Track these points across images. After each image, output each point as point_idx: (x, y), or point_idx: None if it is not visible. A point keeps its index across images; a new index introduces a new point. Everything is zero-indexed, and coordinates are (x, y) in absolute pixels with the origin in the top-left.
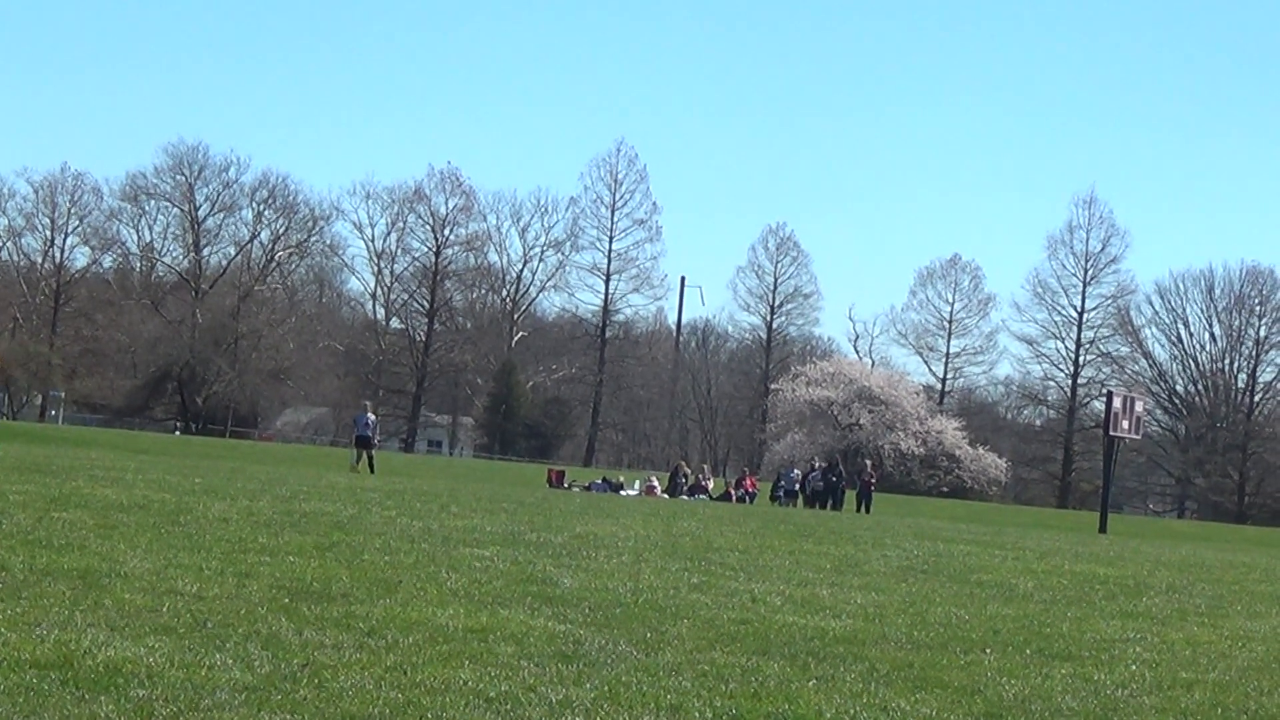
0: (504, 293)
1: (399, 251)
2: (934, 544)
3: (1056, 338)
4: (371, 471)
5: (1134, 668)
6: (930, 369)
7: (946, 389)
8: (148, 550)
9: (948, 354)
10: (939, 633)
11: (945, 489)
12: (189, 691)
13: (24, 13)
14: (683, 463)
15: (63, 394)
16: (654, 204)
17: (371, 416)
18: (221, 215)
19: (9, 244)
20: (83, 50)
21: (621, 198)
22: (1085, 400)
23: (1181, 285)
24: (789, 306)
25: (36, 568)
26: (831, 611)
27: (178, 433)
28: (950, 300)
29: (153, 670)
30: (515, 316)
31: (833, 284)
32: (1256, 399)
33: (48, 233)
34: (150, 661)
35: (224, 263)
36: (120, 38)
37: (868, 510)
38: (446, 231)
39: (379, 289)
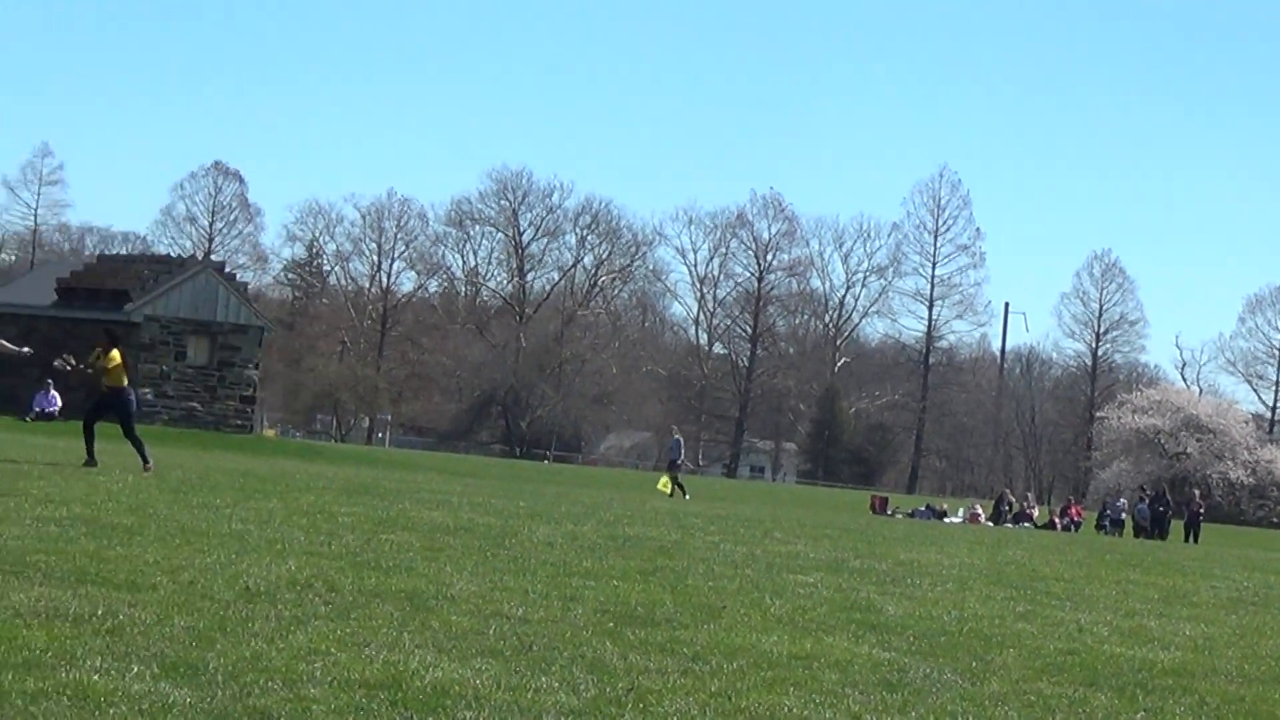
0: (826, 318)
1: (721, 276)
2: (1265, 575)
3: None
4: (684, 495)
5: None
6: (1260, 397)
7: (1277, 418)
8: (474, 573)
9: (1278, 382)
10: (1271, 666)
11: (1276, 520)
12: (515, 714)
13: (351, 44)
14: (1007, 490)
15: (389, 417)
16: (977, 230)
17: (680, 438)
18: (545, 240)
19: (337, 269)
20: (406, 79)
21: (944, 223)
22: None
23: None
24: (1114, 333)
25: (365, 589)
26: (1159, 643)
27: (548, 461)
28: None
29: (479, 692)
30: (838, 342)
31: (1159, 310)
32: None
33: (374, 257)
34: (477, 683)
35: (548, 287)
36: (445, 65)
37: (1195, 540)
38: (769, 257)
39: (701, 314)
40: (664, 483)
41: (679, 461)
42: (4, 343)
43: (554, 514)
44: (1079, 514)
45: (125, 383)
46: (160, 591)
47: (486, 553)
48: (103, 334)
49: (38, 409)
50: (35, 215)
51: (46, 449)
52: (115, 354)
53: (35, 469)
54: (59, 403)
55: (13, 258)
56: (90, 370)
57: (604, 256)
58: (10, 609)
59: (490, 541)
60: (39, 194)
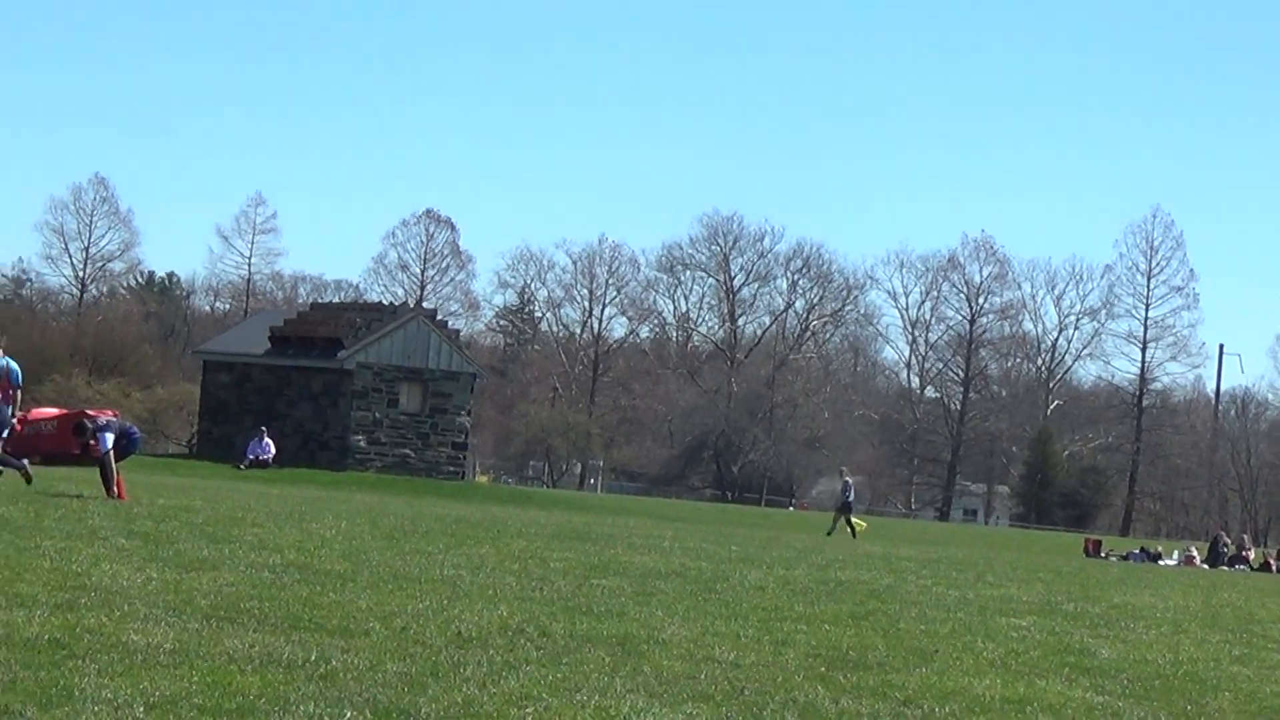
0: (1039, 361)
1: (933, 320)
2: None
3: None
4: (854, 535)
5: None
6: None
7: None
8: (685, 618)
9: None
10: None
11: None
12: None
13: (561, 91)
14: (1222, 533)
15: (601, 462)
16: (1190, 271)
17: (850, 479)
18: (756, 285)
19: (549, 315)
20: (617, 125)
21: (1158, 265)
22: None
23: None
24: None
25: (577, 634)
26: None
27: (791, 508)
28: None
29: None
30: (1050, 385)
31: None
32: None
33: (586, 304)
34: None
35: (759, 332)
36: (655, 111)
37: None
38: (981, 300)
39: (913, 358)
40: (858, 524)
41: (849, 503)
42: None
43: (765, 558)
44: None
45: None
46: (373, 637)
47: (698, 597)
48: None
49: (251, 456)
50: (249, 264)
51: (260, 496)
52: None
53: (249, 516)
54: (272, 450)
55: (227, 306)
56: None
57: (815, 301)
58: (225, 655)
59: (701, 586)
60: (253, 243)
